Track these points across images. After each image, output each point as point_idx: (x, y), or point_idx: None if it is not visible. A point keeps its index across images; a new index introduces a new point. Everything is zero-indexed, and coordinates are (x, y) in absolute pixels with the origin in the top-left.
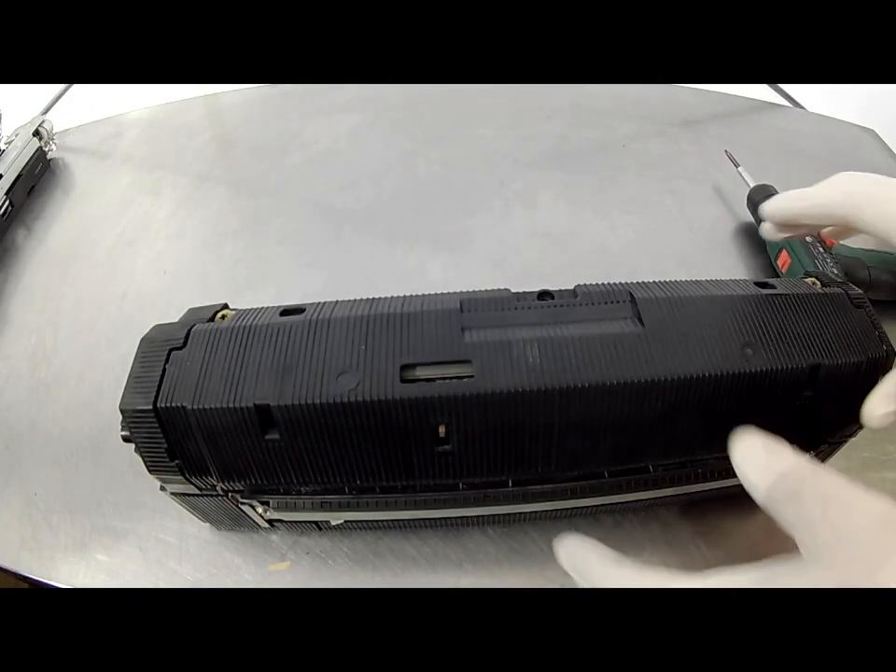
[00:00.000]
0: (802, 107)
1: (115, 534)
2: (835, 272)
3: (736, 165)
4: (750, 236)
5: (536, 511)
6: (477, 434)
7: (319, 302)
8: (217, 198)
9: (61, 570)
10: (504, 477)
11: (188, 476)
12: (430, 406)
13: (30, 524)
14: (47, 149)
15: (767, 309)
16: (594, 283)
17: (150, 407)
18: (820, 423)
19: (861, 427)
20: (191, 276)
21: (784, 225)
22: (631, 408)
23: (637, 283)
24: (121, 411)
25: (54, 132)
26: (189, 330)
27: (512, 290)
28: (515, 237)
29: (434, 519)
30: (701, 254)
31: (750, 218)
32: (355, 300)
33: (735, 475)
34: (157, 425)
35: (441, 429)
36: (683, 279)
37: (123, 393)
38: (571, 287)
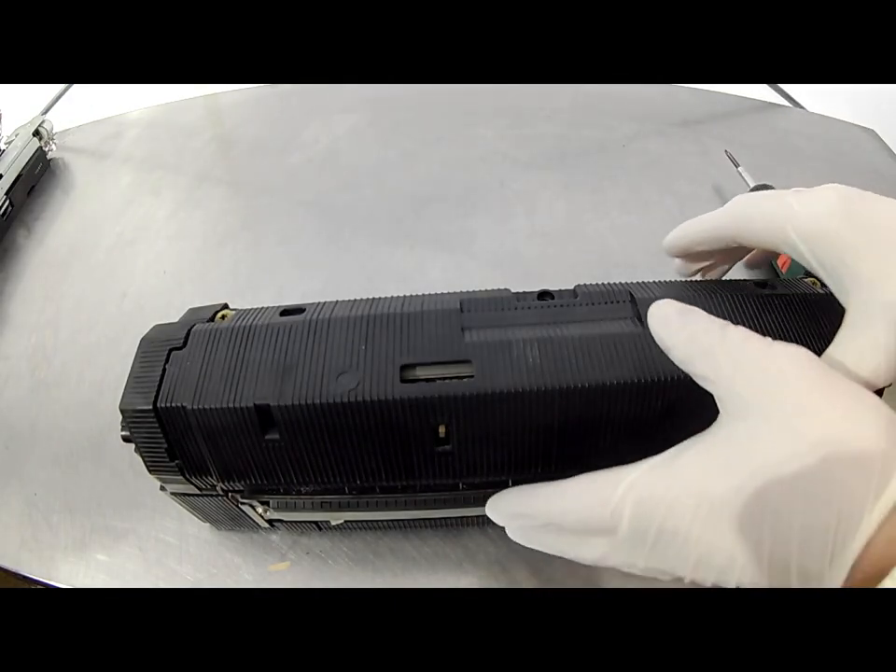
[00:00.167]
0: (802, 107)
1: (115, 534)
2: None
3: (736, 165)
4: None
5: None
6: (477, 434)
7: (319, 302)
8: (216, 198)
9: (61, 570)
10: (504, 477)
11: (188, 476)
12: (430, 406)
13: (30, 524)
14: (47, 149)
15: (767, 309)
16: (594, 283)
17: (150, 407)
18: None
19: None
20: (191, 276)
21: (686, 255)
22: (631, 408)
23: (637, 283)
24: (121, 411)
25: (54, 132)
26: (189, 330)
27: (512, 290)
28: (515, 237)
29: (434, 519)
30: None
31: None
32: (355, 300)
33: None
34: (157, 425)
35: (441, 429)
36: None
37: (123, 393)
38: (571, 287)
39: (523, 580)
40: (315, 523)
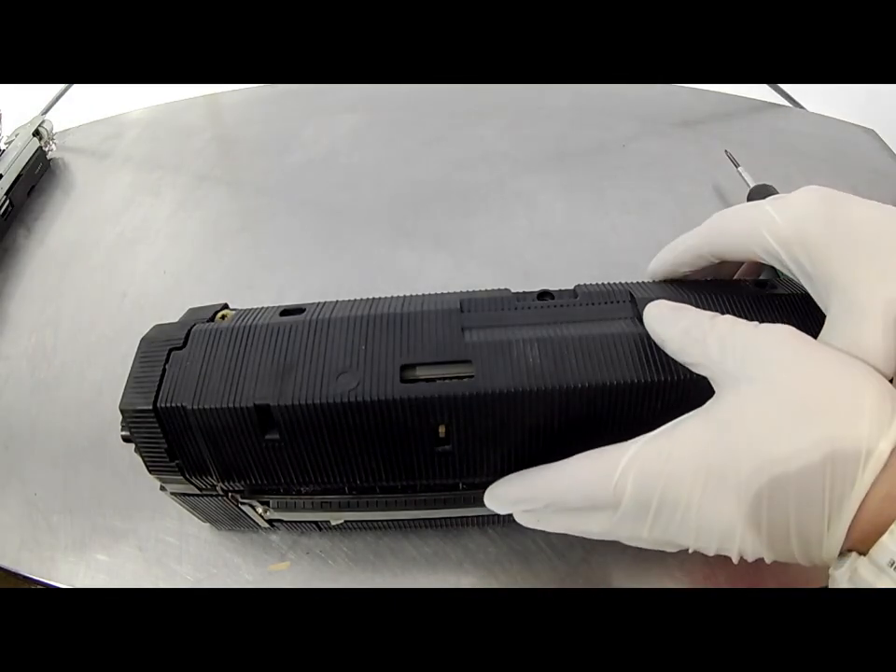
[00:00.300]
0: (802, 107)
1: (115, 534)
2: None
3: (736, 165)
4: None
5: None
6: (477, 434)
7: (319, 302)
8: (216, 198)
9: (61, 570)
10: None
11: (188, 476)
12: (430, 406)
13: (30, 524)
14: (47, 149)
15: (767, 309)
16: (593, 283)
17: (150, 407)
18: None
19: None
20: (191, 276)
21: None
22: (631, 408)
23: (637, 283)
24: (121, 411)
25: (54, 132)
26: (189, 330)
27: (512, 290)
28: (515, 237)
29: (434, 519)
30: None
31: None
32: (355, 300)
33: None
34: (157, 425)
35: (441, 429)
36: None
37: (123, 393)
38: (571, 287)
39: (523, 580)
40: (315, 523)
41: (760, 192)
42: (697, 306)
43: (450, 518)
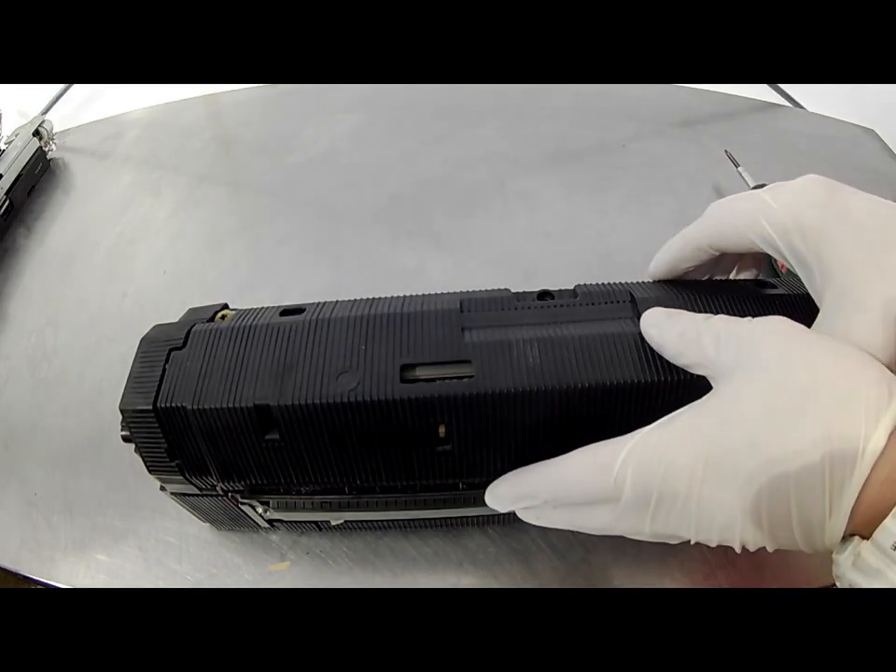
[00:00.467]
0: (802, 107)
1: (115, 534)
2: None
3: (736, 165)
4: None
5: None
6: (477, 434)
7: (319, 302)
8: (216, 198)
9: (61, 570)
10: None
11: (187, 476)
12: (430, 406)
13: (30, 524)
14: (47, 149)
15: (766, 308)
16: (593, 283)
17: (150, 407)
18: None
19: None
20: (191, 276)
21: (673, 278)
22: (631, 408)
23: (638, 283)
24: (121, 411)
25: (54, 132)
26: (189, 330)
27: (512, 290)
28: (515, 237)
29: (434, 519)
30: None
31: None
32: (355, 300)
33: None
34: (157, 425)
35: (441, 429)
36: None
37: (123, 393)
38: (571, 287)
39: (523, 580)
40: (315, 523)
41: None
42: (696, 306)
43: (450, 518)
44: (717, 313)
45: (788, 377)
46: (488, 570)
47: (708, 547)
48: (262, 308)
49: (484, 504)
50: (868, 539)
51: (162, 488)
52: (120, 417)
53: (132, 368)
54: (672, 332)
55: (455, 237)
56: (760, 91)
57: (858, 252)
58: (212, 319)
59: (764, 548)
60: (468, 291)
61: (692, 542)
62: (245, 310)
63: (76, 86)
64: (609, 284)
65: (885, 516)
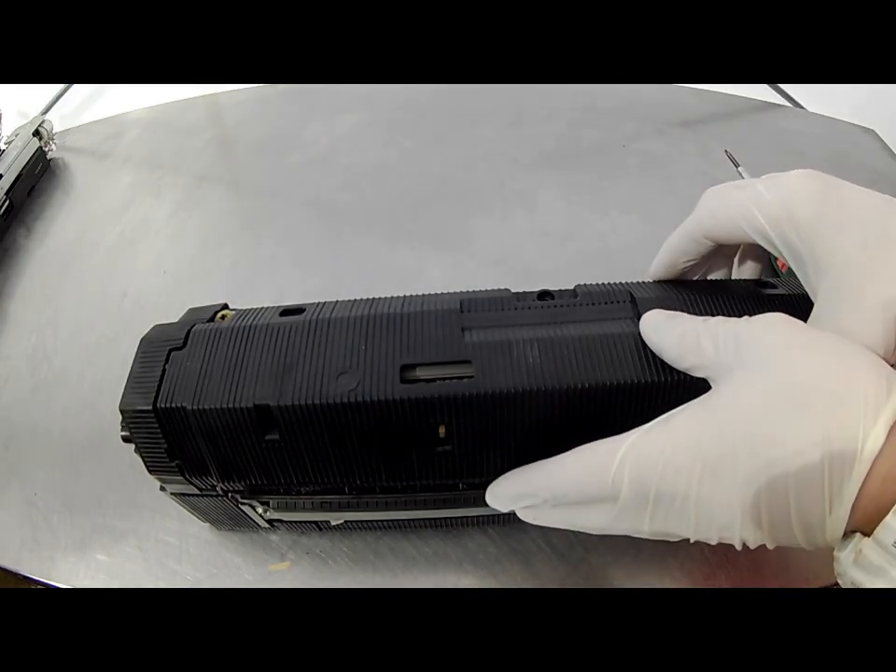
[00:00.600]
0: (802, 107)
1: (115, 534)
2: None
3: (736, 165)
4: None
5: None
6: (477, 434)
7: (319, 302)
8: (216, 198)
9: (61, 570)
10: None
11: (187, 476)
12: (430, 407)
13: (30, 524)
14: (47, 149)
15: (766, 308)
16: (594, 283)
17: (150, 407)
18: None
19: None
20: (191, 276)
21: (675, 274)
22: (632, 408)
23: (638, 283)
24: (121, 411)
25: (54, 132)
26: (189, 331)
27: (512, 290)
28: (515, 237)
29: (434, 519)
30: None
31: None
32: (355, 300)
33: None
34: (156, 425)
35: (441, 430)
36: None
37: (123, 393)
38: (571, 287)
39: (523, 580)
40: (316, 523)
41: None
42: (696, 306)
43: (450, 518)
44: (717, 312)
45: (786, 374)
46: (488, 570)
47: (709, 546)
48: (262, 308)
49: (484, 504)
50: (869, 535)
51: (162, 488)
52: (120, 417)
53: (131, 368)
54: (671, 335)
55: (454, 237)
56: (760, 91)
57: (852, 245)
58: (212, 319)
59: (765, 547)
60: (468, 291)
61: (691, 541)
62: (245, 310)
63: (76, 86)
64: (609, 284)
65: (886, 513)
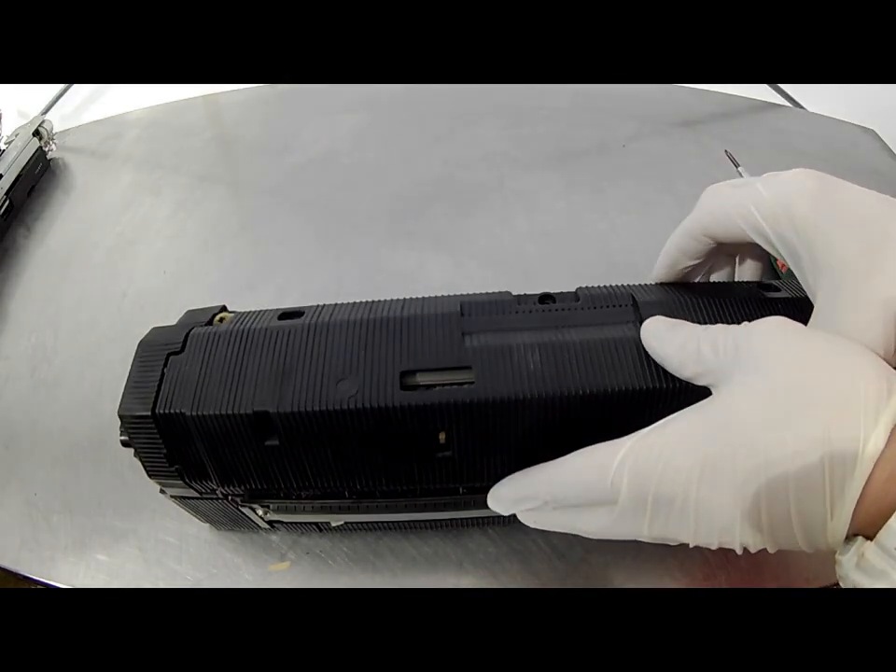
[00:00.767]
0: (802, 107)
1: (115, 534)
2: None
3: (736, 165)
4: None
5: None
6: (477, 440)
7: (318, 305)
8: (216, 198)
9: (61, 570)
10: None
11: (187, 481)
12: (430, 413)
13: (30, 524)
14: (47, 149)
15: (769, 312)
16: (595, 285)
17: (149, 413)
18: None
19: None
20: (191, 276)
21: (678, 275)
22: (634, 415)
23: (640, 285)
24: (120, 416)
25: (54, 132)
26: (188, 334)
27: (512, 291)
28: (515, 237)
29: (434, 520)
30: None
31: None
32: (354, 303)
33: None
34: (156, 431)
35: (442, 436)
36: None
37: (122, 398)
38: (572, 289)
39: (523, 580)
40: (316, 524)
41: None
42: (698, 308)
43: (450, 519)
44: (719, 315)
45: (785, 377)
46: (488, 570)
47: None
48: (260, 311)
49: (485, 506)
50: (872, 539)
51: (162, 491)
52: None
53: (130, 372)
54: (673, 345)
55: (454, 237)
56: (760, 91)
57: (851, 244)
58: (210, 322)
59: (765, 548)
60: (468, 294)
61: (690, 545)
62: (244, 313)
63: (76, 86)
64: (610, 286)
65: (888, 515)
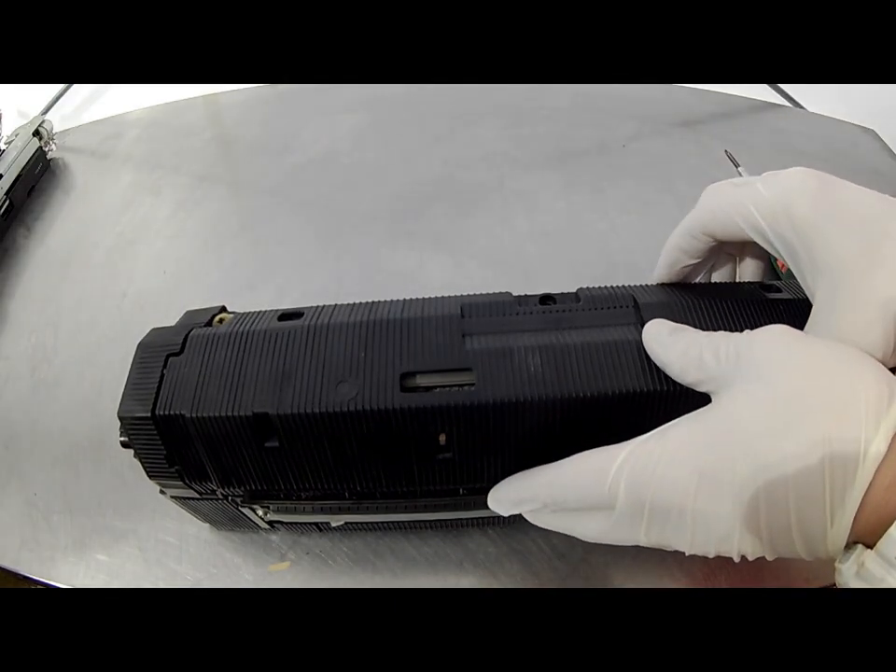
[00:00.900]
0: (802, 107)
1: (115, 534)
2: None
3: (736, 165)
4: None
5: None
6: (478, 443)
7: (318, 306)
8: (216, 198)
9: (61, 570)
10: None
11: (187, 482)
12: (430, 415)
13: (30, 524)
14: (47, 149)
15: (770, 313)
16: (596, 286)
17: (148, 415)
18: None
19: None
20: (191, 276)
21: (678, 275)
22: (635, 417)
23: (641, 286)
24: (120, 418)
25: (54, 132)
26: (187, 335)
27: (513, 291)
28: (515, 237)
29: (434, 521)
30: None
31: None
32: (354, 304)
33: None
34: (155, 432)
35: (442, 438)
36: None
37: (121, 400)
38: (572, 289)
39: (523, 580)
40: (316, 524)
41: None
42: (699, 310)
43: (450, 520)
44: (720, 317)
45: (786, 385)
46: (488, 570)
47: None
48: (260, 312)
49: (485, 507)
50: (872, 547)
51: (162, 492)
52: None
53: (129, 374)
54: (675, 350)
55: (454, 237)
56: (760, 91)
57: (850, 243)
58: (209, 323)
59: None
60: (468, 295)
61: (687, 554)
62: (243, 314)
63: (76, 86)
64: (611, 287)
65: (889, 523)
